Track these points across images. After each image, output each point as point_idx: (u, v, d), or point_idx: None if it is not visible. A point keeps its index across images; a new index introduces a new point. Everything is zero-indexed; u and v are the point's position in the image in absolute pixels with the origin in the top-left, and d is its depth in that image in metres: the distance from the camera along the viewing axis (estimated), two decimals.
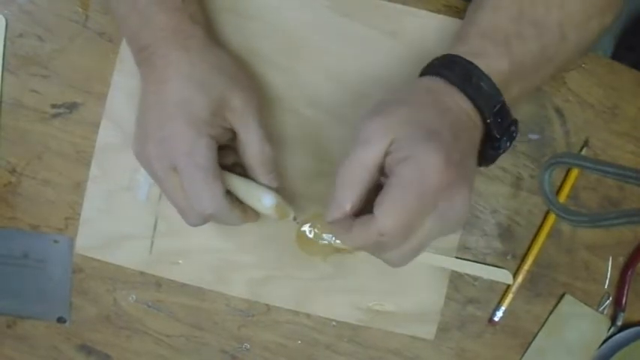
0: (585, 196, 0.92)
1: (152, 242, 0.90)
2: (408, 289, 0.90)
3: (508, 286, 0.91)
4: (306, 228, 0.88)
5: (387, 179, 0.65)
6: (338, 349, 0.92)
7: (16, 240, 0.91)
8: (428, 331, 0.91)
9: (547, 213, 0.91)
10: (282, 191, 0.80)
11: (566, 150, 0.91)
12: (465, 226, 0.91)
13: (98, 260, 0.91)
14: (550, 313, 0.92)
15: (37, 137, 0.90)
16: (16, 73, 0.90)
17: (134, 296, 0.91)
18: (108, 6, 0.83)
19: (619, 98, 0.91)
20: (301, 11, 0.90)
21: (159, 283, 0.91)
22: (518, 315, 0.92)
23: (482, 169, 0.88)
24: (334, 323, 0.91)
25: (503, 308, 0.91)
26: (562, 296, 0.92)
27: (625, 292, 0.92)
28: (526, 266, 0.91)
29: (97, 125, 0.90)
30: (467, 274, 0.91)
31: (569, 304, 0.91)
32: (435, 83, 0.71)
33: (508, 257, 0.91)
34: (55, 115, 0.90)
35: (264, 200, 0.77)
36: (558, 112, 0.91)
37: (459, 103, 0.70)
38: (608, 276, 0.92)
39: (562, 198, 0.90)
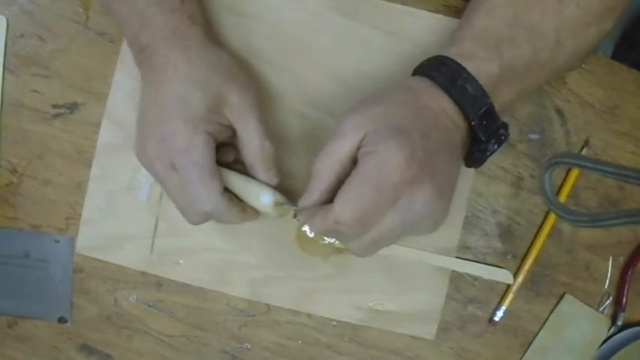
0: (585, 196, 0.92)
1: (153, 242, 0.90)
2: (408, 289, 0.90)
3: (508, 286, 0.91)
4: (306, 228, 0.88)
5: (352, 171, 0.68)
6: (338, 349, 0.92)
7: (17, 240, 0.91)
8: (428, 330, 0.91)
9: (547, 213, 0.91)
10: (283, 190, 0.80)
11: (567, 150, 0.91)
12: (465, 225, 0.91)
13: (99, 260, 0.91)
14: (550, 313, 0.92)
15: (38, 137, 0.90)
16: (17, 73, 0.90)
17: (135, 296, 0.91)
18: (108, 8, 0.83)
19: (619, 98, 0.91)
20: (301, 11, 0.90)
21: (159, 283, 0.91)
22: (518, 315, 0.92)
23: (482, 168, 0.88)
24: (335, 323, 0.91)
25: (503, 308, 0.91)
26: (562, 296, 0.92)
27: (625, 291, 0.92)
28: (526, 266, 0.91)
29: (97, 125, 0.90)
30: (467, 274, 0.91)
31: (569, 303, 0.92)
32: (419, 83, 0.73)
33: (508, 257, 0.91)
34: (56, 115, 0.90)
35: (263, 198, 0.77)
36: (559, 112, 0.91)
37: (440, 103, 0.71)
38: (609, 276, 0.92)
39: (562, 198, 0.90)
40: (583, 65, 0.91)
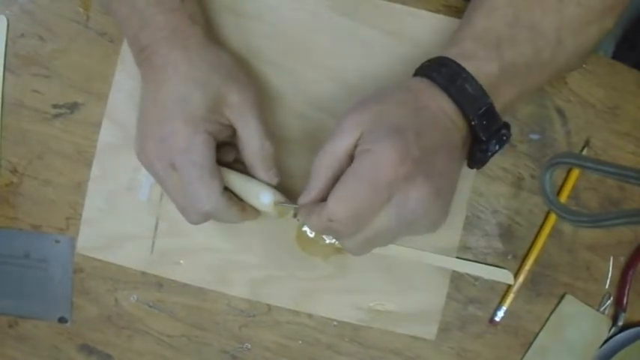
0: (586, 196, 0.92)
1: (153, 242, 0.90)
2: (408, 289, 0.90)
3: (509, 286, 0.91)
4: (306, 228, 0.88)
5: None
6: (339, 349, 0.92)
7: (17, 240, 0.91)
8: (429, 331, 0.91)
9: (548, 213, 0.91)
10: (283, 190, 0.80)
11: (567, 150, 0.91)
12: (465, 226, 0.91)
13: (99, 260, 0.91)
14: (551, 313, 0.92)
15: (38, 137, 0.90)
16: (17, 73, 0.90)
17: (135, 296, 0.91)
18: (108, 8, 0.83)
19: (620, 98, 0.91)
20: (301, 11, 0.90)
21: (160, 283, 0.91)
22: (519, 315, 0.92)
23: (483, 169, 0.88)
24: (335, 323, 0.91)
25: (504, 308, 0.91)
26: (563, 296, 0.92)
27: (626, 292, 0.92)
28: (527, 266, 0.91)
29: (98, 125, 0.90)
30: (468, 274, 0.91)
31: (570, 304, 0.92)
32: (419, 83, 0.73)
33: (509, 257, 0.91)
34: (56, 116, 0.90)
35: (263, 197, 0.77)
36: (559, 112, 0.91)
37: (439, 103, 0.71)
38: (609, 276, 0.92)
39: (563, 198, 0.90)
40: (584, 65, 0.91)
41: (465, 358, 0.92)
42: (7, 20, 0.90)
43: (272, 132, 0.81)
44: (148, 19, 0.77)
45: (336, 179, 0.69)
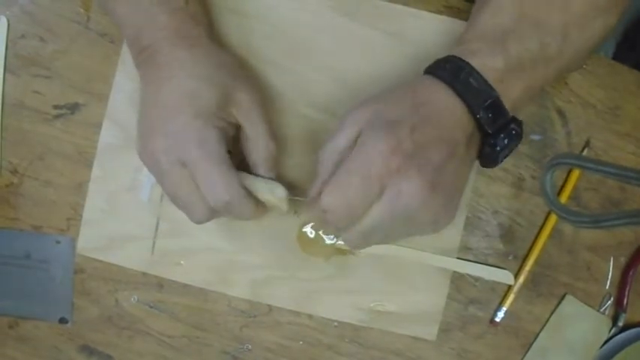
0: (587, 197, 0.92)
1: (154, 243, 0.90)
2: (409, 290, 0.90)
3: (509, 287, 0.91)
4: (307, 229, 0.88)
5: None
6: (340, 349, 0.92)
7: (18, 240, 0.91)
8: (429, 331, 0.91)
9: (548, 213, 0.91)
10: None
11: (568, 151, 0.91)
12: (466, 226, 0.91)
13: (100, 261, 0.91)
14: (551, 314, 0.92)
15: (39, 138, 0.90)
16: (18, 74, 0.90)
17: (136, 297, 0.91)
18: (106, 7, 0.83)
19: (620, 99, 0.91)
20: (303, 12, 0.90)
21: (161, 283, 0.91)
22: (519, 315, 0.92)
23: (483, 169, 0.88)
24: (336, 324, 0.91)
25: (504, 309, 0.91)
26: (563, 297, 0.92)
27: (626, 292, 0.92)
28: (527, 267, 0.91)
29: (98, 126, 0.90)
30: (468, 275, 0.91)
31: (570, 304, 0.92)
32: (423, 81, 0.74)
33: (509, 258, 0.91)
34: (57, 116, 0.90)
35: (278, 191, 0.77)
36: (560, 112, 0.91)
37: (442, 98, 0.71)
38: (610, 276, 0.92)
39: (563, 199, 0.90)
40: (584, 66, 0.91)
41: (466, 359, 0.92)
42: (8, 21, 0.90)
43: (274, 133, 0.81)
44: (152, 18, 0.77)
45: None
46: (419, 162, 0.67)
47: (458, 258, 0.90)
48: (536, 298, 0.92)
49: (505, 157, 0.76)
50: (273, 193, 0.77)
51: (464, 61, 0.71)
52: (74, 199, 0.91)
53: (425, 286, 0.90)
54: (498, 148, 0.74)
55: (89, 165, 0.90)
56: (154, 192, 0.90)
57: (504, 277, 0.90)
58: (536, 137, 0.91)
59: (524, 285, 0.91)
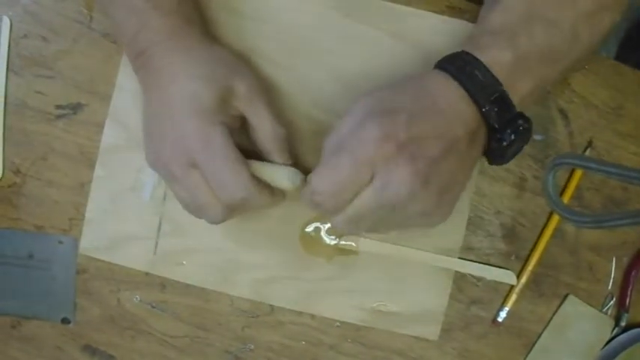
0: (589, 197, 0.92)
1: (156, 243, 0.90)
2: (411, 290, 0.90)
3: (512, 287, 0.91)
4: (309, 229, 0.88)
5: None
6: (342, 349, 0.92)
7: (20, 241, 0.91)
8: (431, 331, 0.91)
9: (551, 214, 0.91)
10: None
11: (570, 151, 0.91)
12: (468, 226, 0.91)
13: (102, 261, 0.91)
14: (554, 314, 0.92)
15: (41, 138, 0.91)
16: (20, 74, 0.90)
17: (138, 297, 0.91)
18: (106, 11, 0.83)
19: (623, 99, 0.91)
20: (304, 12, 0.90)
21: (163, 283, 0.91)
22: (521, 315, 0.92)
23: (486, 169, 0.88)
24: (338, 324, 0.91)
25: (506, 309, 0.91)
26: (566, 297, 0.92)
27: (629, 292, 0.92)
28: (530, 267, 0.91)
29: (101, 126, 0.90)
30: (470, 275, 0.91)
31: (572, 304, 0.92)
32: (429, 74, 0.74)
33: (512, 258, 0.91)
34: (59, 116, 0.90)
35: (296, 178, 0.77)
36: (562, 112, 0.91)
37: (447, 91, 0.71)
38: (612, 277, 0.92)
39: (566, 199, 0.90)
40: (587, 66, 0.91)
41: (468, 359, 0.92)
42: (10, 21, 0.90)
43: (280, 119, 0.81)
44: (146, 22, 0.77)
45: None
46: (412, 152, 0.67)
47: (460, 258, 0.90)
48: (538, 298, 0.92)
49: (514, 155, 0.76)
50: (289, 179, 0.77)
51: (471, 54, 0.71)
52: (77, 199, 0.91)
53: (427, 286, 0.90)
54: (505, 144, 0.73)
55: (92, 165, 0.90)
56: (157, 192, 0.90)
57: (507, 277, 0.90)
58: (538, 137, 0.91)
59: (527, 285, 0.91)
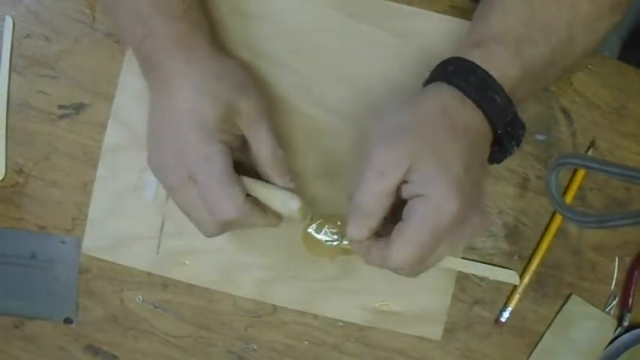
0: (592, 197, 0.92)
1: (159, 243, 0.90)
2: (414, 290, 0.90)
3: (514, 287, 0.91)
4: (311, 230, 0.88)
5: (404, 212, 0.68)
6: (345, 349, 0.92)
7: (23, 240, 0.91)
8: (434, 331, 0.91)
9: (553, 214, 0.91)
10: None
11: (573, 151, 0.91)
12: None
13: (105, 261, 0.91)
14: (556, 314, 0.92)
15: (44, 138, 0.91)
16: (23, 74, 0.90)
17: (141, 297, 0.91)
18: (111, 14, 0.83)
19: (626, 99, 0.91)
20: (308, 12, 0.90)
21: (166, 283, 0.91)
22: (524, 315, 0.92)
23: (488, 169, 0.88)
24: (341, 324, 0.91)
25: (509, 309, 0.91)
26: (568, 297, 0.92)
27: (631, 292, 0.92)
28: (533, 267, 0.91)
29: (104, 126, 0.90)
30: (473, 275, 0.91)
31: (575, 304, 0.92)
32: (450, 100, 0.70)
33: (514, 258, 0.91)
34: (62, 116, 0.90)
35: (291, 203, 0.76)
36: (565, 112, 0.91)
37: (473, 119, 0.70)
38: (615, 276, 0.92)
39: (568, 199, 0.90)
40: (589, 66, 0.91)
41: (471, 359, 0.92)
42: (13, 21, 0.90)
43: (279, 133, 0.80)
44: (152, 28, 0.76)
45: (384, 217, 0.70)
46: (475, 199, 0.69)
47: (463, 258, 0.90)
48: (541, 298, 0.92)
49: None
50: (284, 204, 0.76)
51: (487, 73, 0.70)
52: (79, 199, 0.91)
53: (430, 286, 0.90)
54: (508, 154, 0.75)
55: (94, 165, 0.90)
56: (159, 192, 0.90)
57: (509, 277, 0.90)
58: (541, 137, 0.91)
59: (530, 285, 0.91)
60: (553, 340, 0.92)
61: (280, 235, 0.89)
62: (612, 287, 0.92)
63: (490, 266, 0.91)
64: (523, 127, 0.74)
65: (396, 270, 0.70)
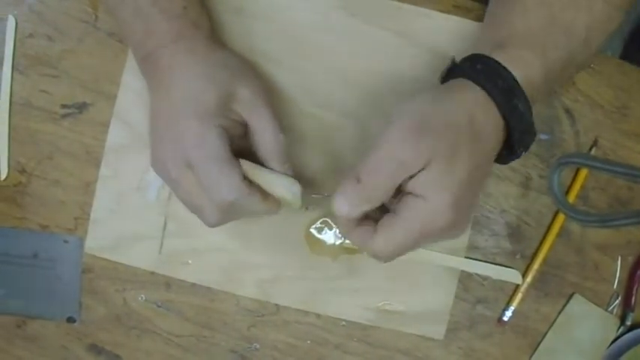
0: (594, 196, 0.92)
1: (162, 242, 0.90)
2: (417, 289, 0.90)
3: (517, 286, 0.91)
4: (313, 229, 0.88)
5: (398, 205, 0.68)
6: (347, 349, 0.92)
7: (26, 240, 0.92)
8: (437, 330, 0.91)
9: (556, 213, 0.91)
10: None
11: (576, 150, 0.91)
12: (474, 225, 0.91)
13: (108, 260, 0.91)
14: (559, 313, 0.92)
15: (46, 137, 0.91)
16: (25, 74, 0.90)
17: (143, 296, 0.91)
18: (113, 12, 0.83)
19: (628, 98, 0.91)
20: (310, 11, 0.90)
21: (168, 283, 0.91)
22: (527, 315, 0.92)
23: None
24: (344, 323, 0.91)
25: (512, 308, 0.91)
26: (571, 296, 0.92)
27: (634, 291, 0.92)
28: (535, 266, 0.91)
29: (106, 125, 0.90)
30: (476, 274, 0.91)
31: (578, 303, 0.91)
32: (476, 106, 0.69)
33: (517, 257, 0.91)
34: (64, 116, 0.90)
35: (292, 188, 0.76)
36: (568, 112, 0.91)
37: (495, 128, 0.70)
38: (617, 276, 0.92)
39: (571, 198, 0.90)
40: (592, 65, 0.91)
41: (474, 358, 0.92)
42: (16, 20, 0.90)
43: (282, 126, 0.80)
44: (152, 26, 0.77)
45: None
46: (469, 211, 0.71)
47: (466, 257, 0.90)
48: (543, 297, 0.92)
49: None
50: (286, 188, 0.76)
51: (514, 79, 0.69)
52: (82, 199, 0.91)
53: (433, 285, 0.90)
54: (515, 158, 0.75)
55: (97, 164, 0.90)
56: (162, 191, 0.90)
57: (512, 276, 0.90)
58: (544, 136, 0.91)
59: (532, 284, 0.91)
60: (555, 340, 0.92)
61: (283, 235, 0.89)
62: (615, 286, 0.92)
63: (493, 265, 0.91)
64: (534, 134, 0.74)
65: (372, 255, 0.70)
